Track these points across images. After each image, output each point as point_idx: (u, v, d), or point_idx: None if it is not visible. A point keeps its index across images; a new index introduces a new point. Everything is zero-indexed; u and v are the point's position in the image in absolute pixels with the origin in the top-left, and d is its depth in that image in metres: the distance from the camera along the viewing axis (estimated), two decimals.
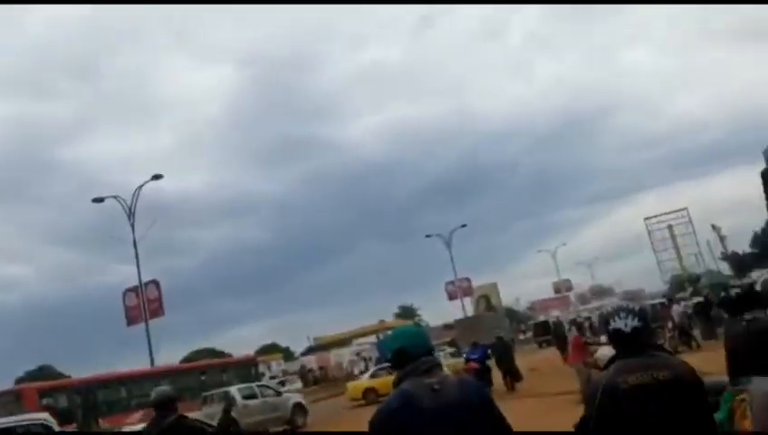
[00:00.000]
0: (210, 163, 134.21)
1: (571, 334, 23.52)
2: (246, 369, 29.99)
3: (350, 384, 26.69)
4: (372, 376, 24.96)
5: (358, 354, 54.49)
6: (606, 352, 14.05)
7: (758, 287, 27.90)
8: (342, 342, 58.88)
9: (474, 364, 19.12)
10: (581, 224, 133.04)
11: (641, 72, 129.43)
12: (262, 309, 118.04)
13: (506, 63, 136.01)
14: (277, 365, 55.95)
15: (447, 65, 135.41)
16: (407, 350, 2.70)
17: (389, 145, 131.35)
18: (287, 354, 68.29)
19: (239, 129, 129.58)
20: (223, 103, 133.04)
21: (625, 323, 2.80)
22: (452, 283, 54.69)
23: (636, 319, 2.81)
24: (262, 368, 43.35)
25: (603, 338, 17.74)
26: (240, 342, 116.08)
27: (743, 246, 66.96)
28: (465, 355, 22.05)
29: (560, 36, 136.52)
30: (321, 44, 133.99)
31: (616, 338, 2.84)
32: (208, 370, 29.29)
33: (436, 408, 2.49)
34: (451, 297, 56.23)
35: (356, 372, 49.75)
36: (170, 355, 53.29)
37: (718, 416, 1.59)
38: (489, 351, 20.22)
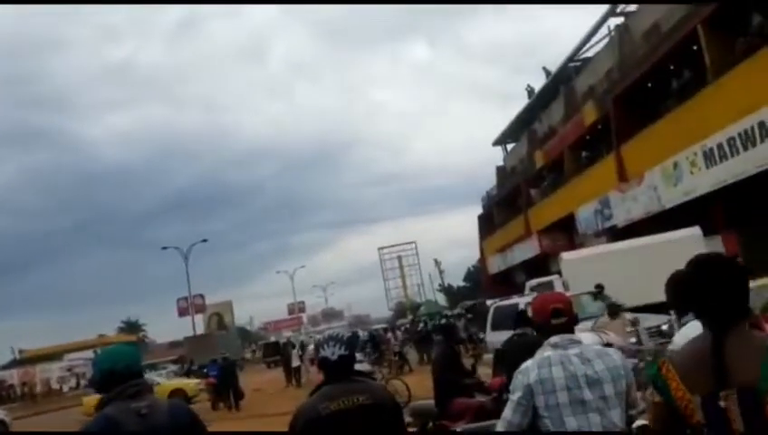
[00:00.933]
0: None
1: (296, 355, 24.14)
2: None
3: (87, 398, 24.37)
4: None
5: (69, 370, 49.67)
6: None
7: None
8: (52, 356, 53.23)
9: (212, 380, 21.06)
10: (321, 248, 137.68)
11: (388, 113, 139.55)
12: None
13: (266, 84, 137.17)
14: None
15: (205, 77, 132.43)
16: (115, 371, 2.54)
17: (132, 149, 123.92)
18: None
19: None
20: None
21: (332, 352, 2.88)
22: (185, 298, 52.52)
23: (342, 347, 2.90)
24: None
25: None
26: None
27: (458, 280, 74.59)
28: (205, 371, 24.12)
29: (321, 66, 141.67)
30: (69, 30, 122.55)
31: (323, 365, 2.92)
32: None
33: (141, 433, 2.39)
34: (182, 313, 53.96)
35: (65, 389, 45.25)
36: None
37: (649, 371, 1.93)
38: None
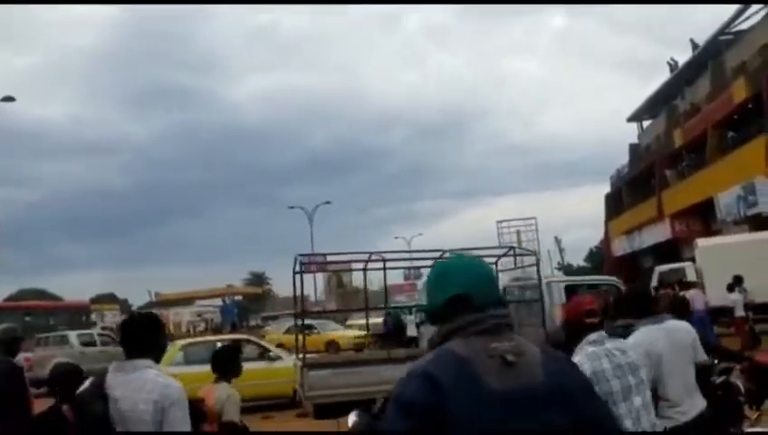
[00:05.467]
0: (76, 95, 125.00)
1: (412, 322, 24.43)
2: (77, 315, 28.41)
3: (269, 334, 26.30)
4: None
5: (199, 315, 53.19)
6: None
7: None
8: (185, 301, 57.16)
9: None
10: (439, 217, 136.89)
11: (520, 82, 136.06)
12: (105, 256, 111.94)
13: (401, 51, 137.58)
14: (112, 316, 53.40)
15: (343, 41, 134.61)
16: (473, 300, 1.61)
17: (268, 111, 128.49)
18: (125, 307, 65.37)
19: (114, 64, 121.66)
20: (99, 34, 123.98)
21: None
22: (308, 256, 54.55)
23: None
24: (95, 317, 41.25)
25: None
26: (76, 287, 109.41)
27: (578, 259, 72.42)
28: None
29: (455, 34, 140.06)
30: None
31: None
32: (34, 311, 27.43)
33: (508, 393, 1.46)
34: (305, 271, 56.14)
35: (193, 332, 48.64)
36: None
37: None
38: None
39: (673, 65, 38.10)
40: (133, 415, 2.59)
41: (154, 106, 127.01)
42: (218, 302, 55.34)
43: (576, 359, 3.06)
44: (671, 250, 29.58)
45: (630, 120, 45.61)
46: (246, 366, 11.49)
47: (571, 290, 11.67)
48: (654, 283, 19.23)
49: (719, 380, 4.75)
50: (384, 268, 10.36)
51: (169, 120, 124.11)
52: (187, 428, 2.67)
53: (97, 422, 2.64)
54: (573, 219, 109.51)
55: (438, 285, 1.69)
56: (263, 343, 13.45)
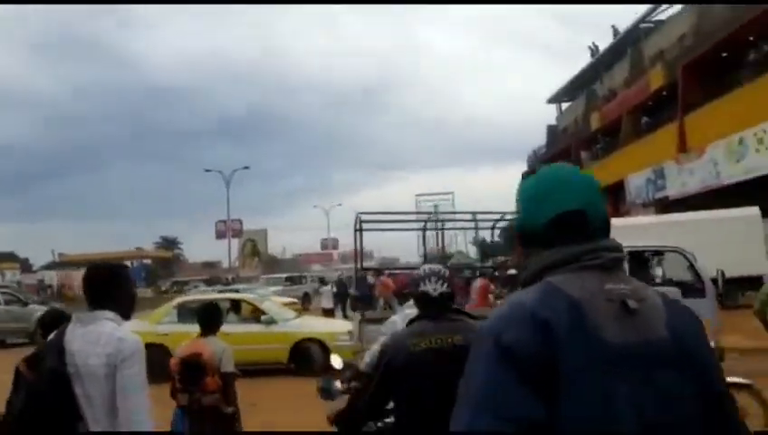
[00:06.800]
0: None
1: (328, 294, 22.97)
2: None
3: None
4: None
5: None
6: None
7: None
8: (90, 262, 54.90)
9: None
10: (358, 188, 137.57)
11: (442, 59, 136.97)
12: (5, 213, 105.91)
13: (317, 16, 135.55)
14: (12, 275, 50.69)
15: (260, 6, 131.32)
16: (588, 216, 1.27)
17: (188, 70, 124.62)
18: (25, 266, 62.11)
19: (19, 12, 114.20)
20: None
21: (434, 288, 2.84)
22: (223, 222, 53.25)
23: (444, 284, 2.87)
24: None
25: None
26: None
27: (492, 235, 74.14)
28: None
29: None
30: None
31: (423, 300, 2.87)
32: None
33: (627, 348, 1.13)
34: (219, 236, 54.88)
35: None
36: None
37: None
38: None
39: (594, 50, 39.06)
40: (86, 369, 2.47)
41: (65, 58, 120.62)
42: (127, 264, 53.33)
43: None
44: None
45: (550, 101, 46.65)
46: (240, 329, 11.02)
47: (632, 256, 10.90)
48: None
49: None
50: (441, 229, 11.49)
51: (81, 71, 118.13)
52: (141, 384, 2.50)
53: (51, 377, 2.50)
54: (490, 196, 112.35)
55: (540, 199, 1.30)
56: (260, 304, 12.34)
